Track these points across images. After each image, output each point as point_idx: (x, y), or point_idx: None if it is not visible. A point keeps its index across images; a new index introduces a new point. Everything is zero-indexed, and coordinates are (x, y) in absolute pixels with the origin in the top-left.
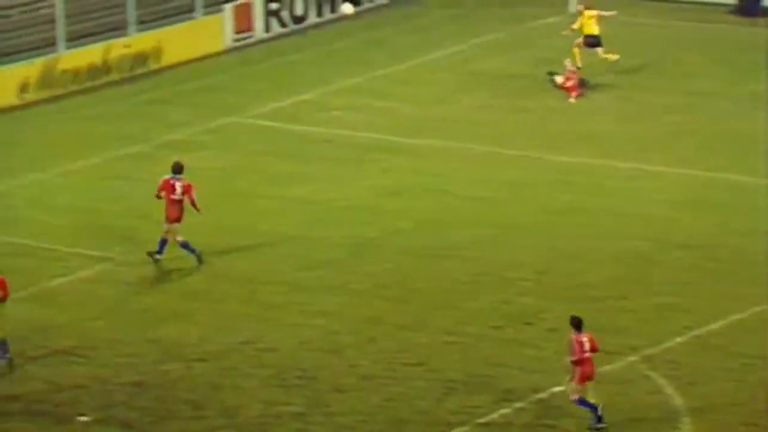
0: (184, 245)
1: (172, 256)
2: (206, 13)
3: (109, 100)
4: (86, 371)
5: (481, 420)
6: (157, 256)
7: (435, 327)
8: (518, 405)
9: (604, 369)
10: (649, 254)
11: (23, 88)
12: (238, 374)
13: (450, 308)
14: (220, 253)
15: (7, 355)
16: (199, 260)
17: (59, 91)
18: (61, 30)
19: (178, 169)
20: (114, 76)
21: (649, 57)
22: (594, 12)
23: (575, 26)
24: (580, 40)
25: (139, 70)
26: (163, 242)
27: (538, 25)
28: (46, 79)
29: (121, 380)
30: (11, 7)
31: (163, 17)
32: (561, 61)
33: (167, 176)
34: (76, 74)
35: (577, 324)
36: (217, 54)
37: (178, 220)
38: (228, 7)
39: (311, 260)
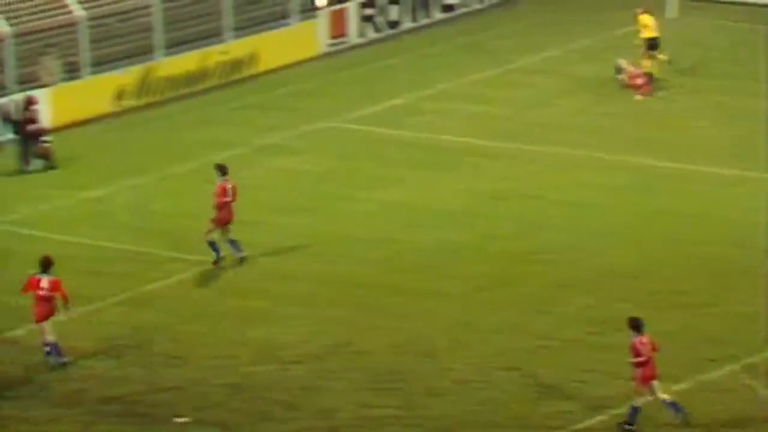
0: (212, 244)
1: (272, 259)
2: (301, 19)
3: (205, 106)
4: (183, 373)
5: (578, 426)
6: (242, 255)
7: (529, 331)
8: (615, 412)
9: (705, 377)
10: (742, 261)
11: (120, 95)
12: (332, 377)
13: (544, 313)
14: (315, 256)
15: (63, 359)
16: (215, 262)
17: (156, 98)
18: (158, 38)
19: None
20: (210, 82)
21: (740, 59)
22: (649, 16)
23: (641, 35)
24: (643, 45)
25: (235, 76)
26: (232, 243)
27: (631, 31)
28: (143, 87)
29: (217, 382)
30: (109, 16)
31: (259, 24)
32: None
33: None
34: (172, 81)
35: (636, 326)
36: (312, 59)
37: (230, 221)
38: (323, 13)
39: (405, 264)
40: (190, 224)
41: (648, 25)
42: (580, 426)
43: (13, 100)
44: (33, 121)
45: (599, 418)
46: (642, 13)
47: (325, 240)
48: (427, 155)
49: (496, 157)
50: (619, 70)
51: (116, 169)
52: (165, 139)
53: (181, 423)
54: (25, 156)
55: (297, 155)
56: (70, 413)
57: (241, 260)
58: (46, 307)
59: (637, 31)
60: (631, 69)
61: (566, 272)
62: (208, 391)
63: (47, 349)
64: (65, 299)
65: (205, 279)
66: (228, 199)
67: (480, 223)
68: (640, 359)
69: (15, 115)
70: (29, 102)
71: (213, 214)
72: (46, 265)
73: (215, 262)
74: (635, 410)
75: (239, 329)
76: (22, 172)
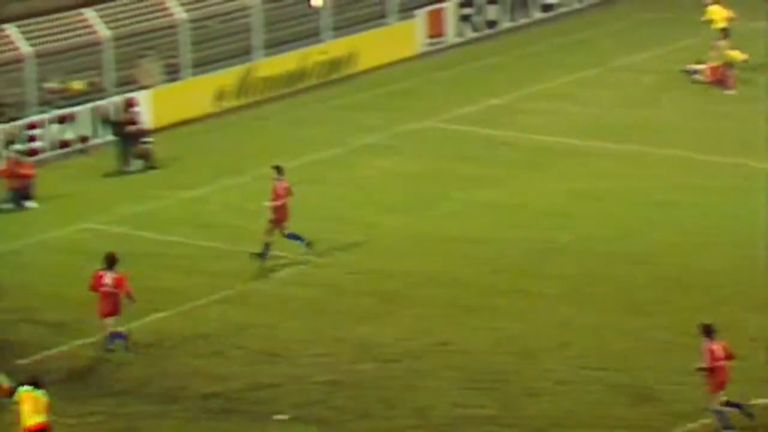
0: (267, 245)
1: (371, 258)
2: (399, 19)
3: (304, 105)
4: (283, 370)
5: (676, 430)
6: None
7: (628, 332)
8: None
9: None
10: None
11: (220, 95)
12: (431, 375)
13: (643, 314)
14: (413, 256)
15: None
16: (262, 256)
17: (255, 98)
18: (257, 38)
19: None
20: (308, 82)
21: None
22: (719, 7)
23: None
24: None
25: (333, 76)
26: (292, 236)
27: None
28: (243, 87)
29: (316, 379)
30: (210, 18)
31: (357, 23)
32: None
33: (277, 180)
34: (271, 81)
35: (707, 331)
36: (410, 59)
37: (285, 219)
38: (421, 12)
39: (502, 264)
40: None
41: (718, 16)
42: (685, 429)
43: (113, 102)
44: (133, 122)
45: (702, 421)
46: (711, 3)
47: (424, 239)
48: (526, 155)
49: (595, 157)
50: (693, 72)
51: (215, 168)
52: (264, 138)
53: (280, 420)
54: (125, 157)
55: (394, 155)
56: (170, 409)
57: (308, 246)
58: (110, 303)
59: (709, 22)
60: (705, 66)
61: (665, 273)
62: (307, 388)
63: (113, 338)
64: (130, 295)
65: (304, 277)
66: (283, 200)
67: (578, 224)
68: (711, 365)
69: (115, 117)
70: (129, 104)
71: (271, 214)
72: (110, 261)
73: (262, 256)
74: (720, 413)
75: (338, 328)
76: (122, 172)
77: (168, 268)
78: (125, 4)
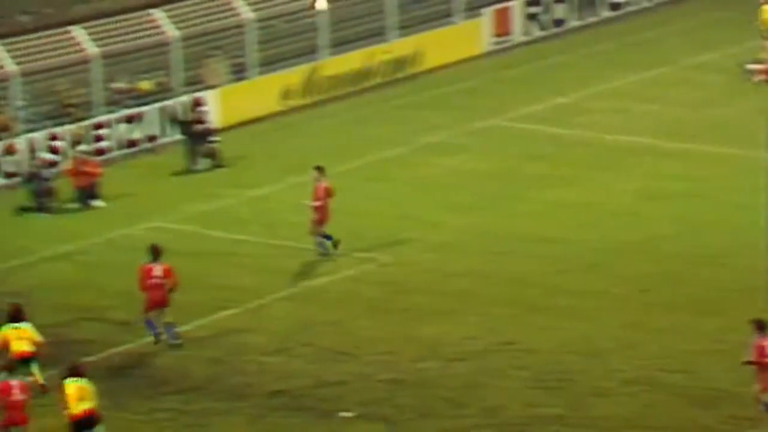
0: (321, 240)
1: (438, 257)
2: (465, 18)
3: (370, 104)
4: (349, 368)
5: None
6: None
7: (699, 334)
8: None
9: None
10: None
11: (286, 94)
12: (497, 374)
13: (714, 315)
14: (481, 255)
15: (178, 340)
16: (335, 245)
17: (321, 97)
18: (323, 38)
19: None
20: (374, 81)
21: None
22: None
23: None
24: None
25: (399, 75)
26: (325, 237)
27: None
28: (309, 86)
29: (381, 377)
30: (276, 17)
31: (423, 22)
32: None
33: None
34: (337, 80)
35: (760, 327)
36: (476, 58)
37: (325, 221)
38: (487, 11)
39: (572, 263)
40: (355, 221)
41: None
42: None
43: (181, 101)
44: (200, 121)
45: None
46: (764, 3)
47: (492, 238)
48: (593, 154)
49: (663, 156)
50: (751, 72)
51: (281, 167)
52: (329, 137)
53: (345, 417)
54: (192, 156)
55: (461, 154)
56: (238, 406)
57: (336, 245)
58: (159, 294)
59: (763, 22)
60: (761, 66)
61: (736, 275)
62: (372, 386)
63: (165, 330)
64: (175, 287)
65: (371, 275)
66: (323, 201)
67: (647, 223)
68: (759, 360)
69: (182, 116)
70: (196, 103)
71: (313, 214)
72: (156, 253)
73: (332, 249)
74: None
75: (405, 326)
76: (189, 171)
77: (235, 266)
78: (193, 4)
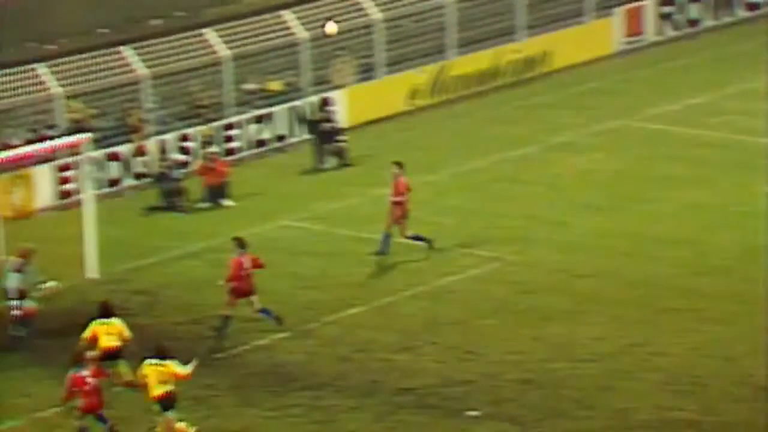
0: (414, 238)
1: (567, 258)
2: (596, 17)
3: (498, 104)
4: (476, 367)
5: None
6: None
7: None
8: None
9: None
10: None
11: (413, 94)
12: (628, 377)
13: None
14: (611, 256)
15: (280, 321)
16: (429, 245)
17: (448, 96)
18: (451, 37)
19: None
20: (502, 80)
21: None
22: None
23: None
24: None
25: (528, 74)
26: (387, 237)
27: None
28: (436, 85)
29: (509, 377)
30: (403, 17)
31: (552, 22)
32: None
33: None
34: (465, 79)
35: None
36: (607, 57)
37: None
38: (619, 10)
39: (705, 266)
40: (484, 220)
41: None
42: None
43: (309, 101)
44: (328, 121)
45: None
46: None
47: (620, 239)
48: (728, 155)
49: None
50: None
51: (410, 166)
52: (458, 136)
53: (472, 417)
54: (320, 155)
55: (591, 153)
56: (366, 403)
57: (379, 254)
58: (248, 284)
59: None
60: None
61: None
62: (499, 385)
63: (264, 315)
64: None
65: (498, 275)
66: (404, 197)
67: None
68: None
69: (311, 116)
70: (325, 103)
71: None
72: (243, 244)
73: (431, 247)
74: None
75: (531, 326)
76: (317, 170)
77: (362, 264)
78: (322, 6)
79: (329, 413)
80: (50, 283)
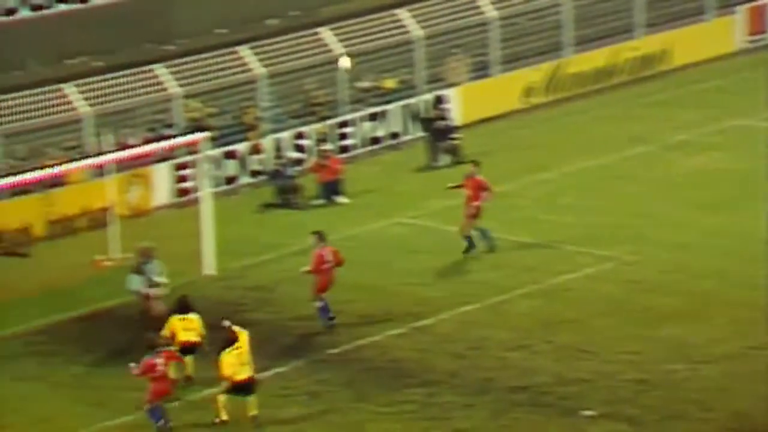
0: (468, 237)
1: (684, 257)
2: (717, 15)
3: (615, 102)
4: (591, 366)
5: None
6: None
7: None
8: None
9: None
10: None
11: (528, 92)
12: (747, 379)
13: None
14: (729, 256)
15: (332, 319)
16: (489, 240)
17: (564, 95)
18: (567, 35)
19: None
20: (619, 78)
21: None
22: None
23: None
24: None
25: (645, 73)
26: (482, 231)
27: None
28: (551, 83)
29: (625, 377)
30: (520, 15)
31: (672, 20)
32: None
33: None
34: (581, 78)
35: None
36: (727, 56)
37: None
38: (741, 9)
39: None
40: (599, 220)
41: None
42: None
43: (423, 99)
44: (442, 118)
45: None
46: None
47: (738, 240)
48: None
49: None
50: None
51: (523, 164)
52: (573, 134)
53: (588, 416)
54: (434, 152)
55: (711, 153)
56: (480, 400)
57: (468, 251)
58: (331, 277)
59: None
60: None
61: None
62: (615, 385)
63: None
64: (341, 263)
65: (614, 274)
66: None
67: None
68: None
69: (425, 114)
70: (439, 101)
71: (468, 210)
72: (323, 237)
73: (469, 252)
74: None
75: (648, 326)
76: (431, 168)
77: (475, 262)
78: (437, 3)
79: (443, 410)
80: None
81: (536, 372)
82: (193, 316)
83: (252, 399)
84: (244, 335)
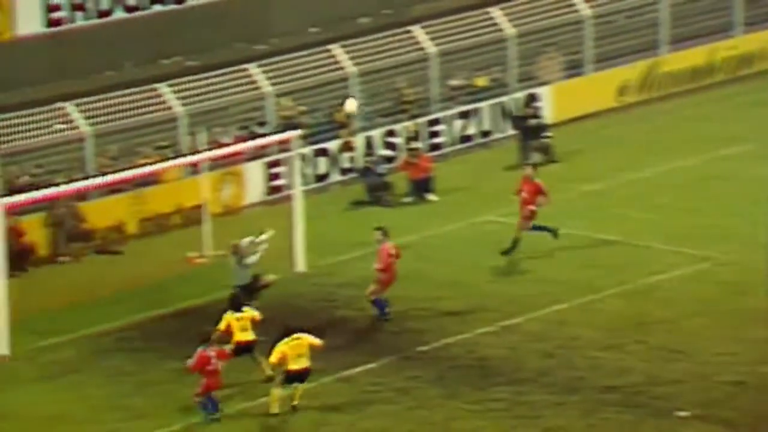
0: (538, 228)
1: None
2: None
3: (712, 101)
4: (685, 367)
5: None
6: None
7: None
8: None
9: None
10: None
11: (622, 90)
12: None
13: None
14: None
15: (387, 315)
16: (554, 233)
17: (659, 93)
18: (664, 33)
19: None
20: (716, 77)
21: None
22: None
23: None
24: None
25: (744, 72)
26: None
27: None
28: (646, 82)
29: (720, 378)
30: (616, 13)
31: None
32: None
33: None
34: (677, 76)
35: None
36: None
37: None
38: None
39: None
40: (693, 219)
41: None
42: None
43: (515, 97)
44: (534, 117)
45: None
46: None
47: None
48: None
49: None
50: None
51: (616, 163)
52: (667, 133)
53: (681, 417)
54: (525, 151)
55: None
56: (570, 400)
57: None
58: (395, 272)
59: None
60: None
61: None
62: (709, 387)
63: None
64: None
65: (707, 275)
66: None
67: None
68: None
69: (516, 112)
70: (530, 99)
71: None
72: (386, 233)
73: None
74: None
75: (742, 327)
76: (522, 166)
77: (566, 260)
78: (529, 1)
79: (532, 409)
80: (270, 276)
81: (628, 372)
82: (246, 312)
83: (300, 387)
84: (306, 337)
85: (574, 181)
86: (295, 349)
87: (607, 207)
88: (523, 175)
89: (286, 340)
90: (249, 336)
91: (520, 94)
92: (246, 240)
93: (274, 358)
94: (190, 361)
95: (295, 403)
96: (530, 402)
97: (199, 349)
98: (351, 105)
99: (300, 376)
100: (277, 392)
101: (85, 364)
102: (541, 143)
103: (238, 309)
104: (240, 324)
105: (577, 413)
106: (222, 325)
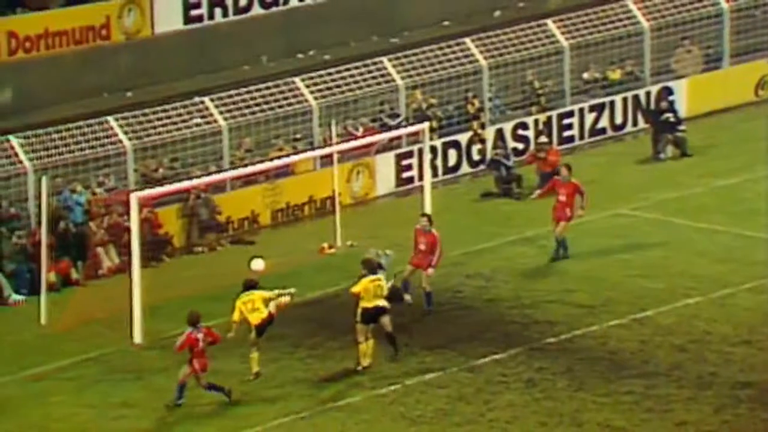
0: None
1: None
2: None
3: None
4: None
5: None
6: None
7: None
8: None
9: None
10: None
11: (762, 85)
12: None
13: None
14: None
15: (431, 307)
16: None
17: None
18: None
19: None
20: None
21: None
22: None
23: None
24: None
25: None
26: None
27: None
28: None
29: None
30: (756, 7)
31: None
32: None
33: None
34: None
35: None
36: None
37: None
38: None
39: None
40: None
41: None
42: None
43: (649, 91)
44: (668, 110)
45: None
46: None
47: None
48: None
49: None
50: None
51: (752, 157)
52: None
53: None
54: (658, 144)
55: None
56: (702, 395)
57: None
58: (420, 258)
59: None
60: None
61: None
62: None
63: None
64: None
65: None
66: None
67: None
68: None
69: (650, 106)
70: (665, 93)
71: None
72: (431, 220)
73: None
74: None
75: None
76: (655, 160)
77: (699, 255)
78: None
79: (663, 402)
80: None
81: (762, 368)
82: (255, 295)
83: (385, 319)
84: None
85: (708, 176)
86: (374, 290)
87: (741, 201)
88: (554, 178)
89: (371, 277)
90: (261, 316)
91: (655, 88)
92: (372, 251)
93: (357, 288)
94: (177, 342)
95: (389, 329)
96: (661, 396)
97: (187, 331)
98: (257, 264)
99: (375, 314)
100: (363, 347)
101: (220, 352)
102: (675, 137)
103: (247, 290)
104: (246, 307)
105: (710, 409)
106: (235, 315)
